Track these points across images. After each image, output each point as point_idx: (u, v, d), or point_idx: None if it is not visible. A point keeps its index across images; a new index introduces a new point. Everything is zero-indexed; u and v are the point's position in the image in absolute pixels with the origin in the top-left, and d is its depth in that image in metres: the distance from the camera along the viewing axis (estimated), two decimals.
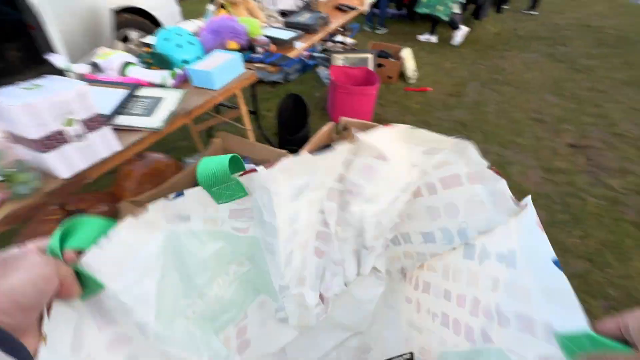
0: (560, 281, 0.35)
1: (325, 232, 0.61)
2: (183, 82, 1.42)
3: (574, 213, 1.96)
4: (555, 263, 0.36)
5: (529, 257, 0.38)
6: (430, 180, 0.54)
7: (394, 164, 0.54)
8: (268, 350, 0.65)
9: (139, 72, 1.32)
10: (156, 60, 1.39)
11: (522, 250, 0.39)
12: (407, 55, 3.35)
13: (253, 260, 0.57)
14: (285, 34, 1.78)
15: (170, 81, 1.33)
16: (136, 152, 1.10)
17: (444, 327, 0.52)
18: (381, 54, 3.51)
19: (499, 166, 2.31)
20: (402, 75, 3.46)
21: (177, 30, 1.48)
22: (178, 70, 1.38)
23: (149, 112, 1.17)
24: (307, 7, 2.33)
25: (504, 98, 3.20)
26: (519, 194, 0.38)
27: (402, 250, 0.63)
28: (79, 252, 0.33)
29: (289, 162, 0.48)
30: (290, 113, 1.97)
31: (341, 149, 0.53)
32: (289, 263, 0.56)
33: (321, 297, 0.65)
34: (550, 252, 0.37)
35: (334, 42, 3.79)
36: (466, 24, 5.11)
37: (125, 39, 2.60)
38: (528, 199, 0.41)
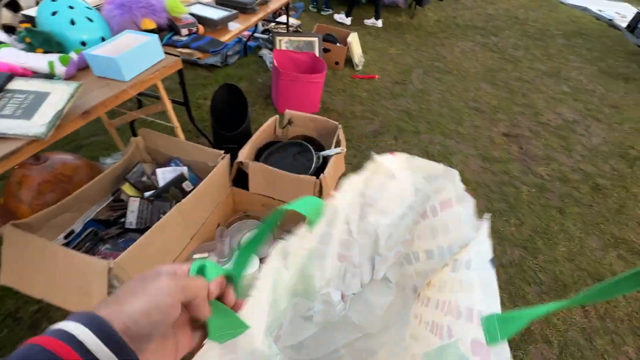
0: (490, 276, 0.43)
1: (348, 239, 0.72)
2: (80, 70, 1.12)
3: (510, 201, 2.07)
4: (491, 261, 0.44)
5: (477, 260, 0.46)
6: (432, 203, 0.63)
7: (402, 184, 0.66)
8: (290, 342, 0.75)
9: (12, 56, 1.00)
10: (39, 40, 1.07)
11: (475, 255, 0.47)
12: (354, 40, 3.22)
13: (297, 266, 0.63)
14: (217, 13, 1.52)
15: (60, 69, 1.03)
16: (6, 168, 0.82)
17: (431, 332, 0.57)
18: (327, 38, 3.34)
19: (444, 157, 2.35)
20: (349, 61, 3.34)
21: (69, 0, 1.15)
22: (72, 55, 1.08)
23: (26, 113, 0.88)
24: None
25: (446, 87, 3.27)
26: (462, 182, 0.46)
27: (413, 269, 0.72)
28: (228, 277, 0.34)
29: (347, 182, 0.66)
30: (226, 106, 1.73)
31: (365, 169, 0.68)
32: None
33: (342, 295, 0.78)
34: (489, 254, 0.45)
35: (277, 23, 3.51)
36: (410, 10, 5.15)
37: (14, 5, 2.06)
38: (487, 216, 0.51)
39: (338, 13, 4.59)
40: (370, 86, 3.10)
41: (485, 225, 0.49)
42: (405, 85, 3.20)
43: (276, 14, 4.03)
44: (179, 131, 1.52)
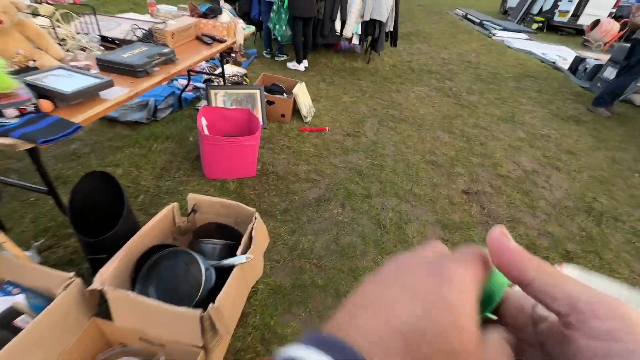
0: None
1: None
2: None
3: None
4: None
5: None
6: None
7: None
8: None
9: None
10: None
11: None
12: (300, 91, 2.96)
13: None
14: (76, 83, 1.14)
15: None
16: None
17: None
18: (273, 89, 3.07)
19: (398, 227, 2.02)
20: (298, 112, 3.07)
21: None
22: None
23: None
24: (148, 37, 1.73)
25: (401, 137, 3.04)
26: None
27: None
28: None
29: None
30: (96, 201, 1.30)
31: None
32: None
33: None
34: None
35: (214, 76, 3.21)
36: (365, 56, 5.11)
37: None
38: None
39: (291, 60, 4.42)
40: (320, 140, 2.81)
41: None
42: (357, 137, 2.94)
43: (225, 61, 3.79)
44: (10, 245, 1.06)
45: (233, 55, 3.97)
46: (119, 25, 1.84)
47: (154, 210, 1.84)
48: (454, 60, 5.71)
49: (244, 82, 3.26)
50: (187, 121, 2.74)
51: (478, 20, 9.30)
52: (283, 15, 3.93)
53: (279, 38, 4.12)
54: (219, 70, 3.31)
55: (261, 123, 2.75)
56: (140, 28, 1.71)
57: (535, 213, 2.30)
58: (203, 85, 3.17)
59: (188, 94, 3.01)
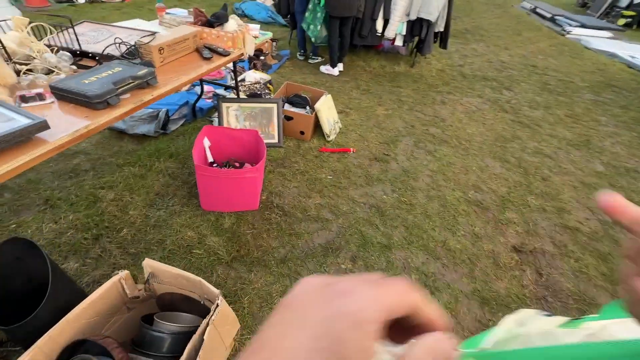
0: None
1: None
2: None
3: None
4: None
5: None
6: None
7: None
8: None
9: None
10: None
11: None
12: (324, 105, 2.58)
13: None
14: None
15: None
16: None
17: None
18: (295, 100, 2.72)
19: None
20: (320, 128, 2.69)
21: None
22: None
23: None
24: (132, 54, 1.46)
25: (439, 165, 2.53)
26: None
27: None
28: None
29: None
30: (15, 275, 1.04)
31: None
32: None
33: None
34: None
35: (229, 87, 2.93)
36: (410, 59, 4.54)
37: None
38: None
39: (325, 63, 4.03)
40: (341, 164, 2.41)
41: None
42: (386, 162, 2.49)
43: (254, 64, 3.52)
44: None
45: (262, 58, 3.69)
46: (111, 36, 1.60)
47: (133, 250, 1.61)
48: (516, 64, 4.89)
49: (266, 91, 2.95)
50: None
51: (549, 15, 8.06)
52: (319, 14, 3.54)
53: (312, 39, 3.73)
54: (243, 76, 3.04)
55: (276, 141, 2.43)
56: (124, 43, 1.45)
57: (617, 290, 1.71)
58: (225, 93, 2.92)
59: (206, 103, 2.78)
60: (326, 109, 2.59)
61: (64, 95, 1.12)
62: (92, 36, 1.61)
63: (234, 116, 2.37)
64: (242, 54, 1.83)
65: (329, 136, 2.61)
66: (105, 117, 1.12)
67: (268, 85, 3.11)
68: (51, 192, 1.86)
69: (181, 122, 2.58)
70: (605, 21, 8.22)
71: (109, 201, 1.84)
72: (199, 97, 2.59)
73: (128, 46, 1.44)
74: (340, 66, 3.96)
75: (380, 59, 4.50)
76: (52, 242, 1.59)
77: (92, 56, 1.44)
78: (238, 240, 1.73)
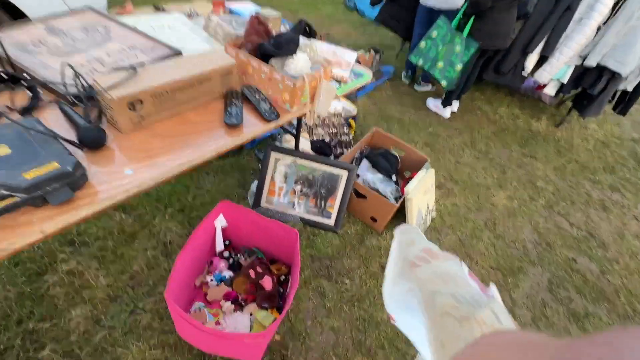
0: None
1: None
2: None
3: None
4: None
5: None
6: None
7: None
8: None
9: None
10: None
11: None
12: (419, 189, 1.62)
13: None
14: None
15: None
16: None
17: None
18: (380, 162, 1.81)
19: None
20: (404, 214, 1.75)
21: None
22: None
23: None
24: (91, 97, 0.73)
25: None
26: None
27: None
28: None
29: None
30: None
31: None
32: None
33: None
34: None
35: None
36: (556, 111, 3.18)
37: None
38: None
39: (435, 95, 2.97)
40: None
41: None
42: None
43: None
44: None
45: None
46: (107, 43, 0.91)
47: None
48: None
49: (345, 130, 2.09)
50: (232, 179, 1.78)
51: None
52: (457, 48, 2.27)
53: (443, 83, 2.44)
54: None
55: (332, 223, 1.59)
56: (77, 75, 0.72)
57: None
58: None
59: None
60: (421, 194, 1.63)
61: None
62: (71, 42, 0.94)
63: (282, 173, 1.58)
64: (305, 114, 0.99)
65: None
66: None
67: (350, 121, 2.23)
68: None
69: None
70: None
71: (63, 274, 1.24)
72: None
73: (82, 85, 0.71)
74: (455, 105, 2.87)
75: (512, 104, 3.24)
76: None
77: (28, 86, 0.76)
78: None
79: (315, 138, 1.96)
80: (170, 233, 1.46)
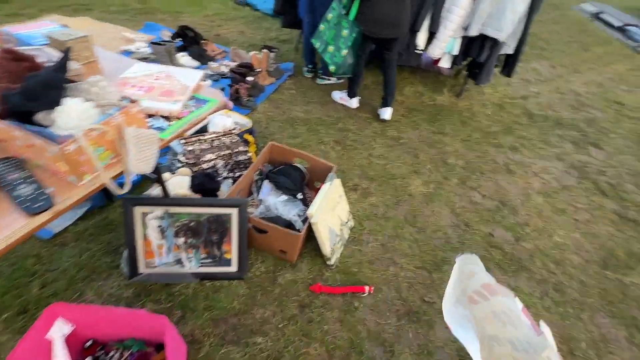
0: None
1: None
2: None
3: None
4: None
5: None
6: None
7: None
8: None
9: None
10: None
11: None
12: (322, 211, 1.42)
13: None
14: None
15: None
16: None
17: None
18: (279, 180, 1.58)
19: None
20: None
21: None
22: None
23: None
24: None
25: None
26: None
27: None
28: None
29: None
30: None
31: None
32: None
33: None
34: None
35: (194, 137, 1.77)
36: (455, 82, 3.27)
37: None
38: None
39: (341, 88, 2.82)
40: (346, 328, 1.29)
41: None
42: (429, 326, 1.36)
43: (244, 74, 2.32)
44: None
45: (250, 79, 2.51)
46: None
47: None
48: (595, 98, 3.56)
49: (241, 148, 1.80)
50: (99, 245, 1.39)
51: (618, 24, 6.50)
52: (344, 32, 2.14)
53: (331, 67, 2.31)
54: (205, 122, 1.89)
55: (234, 269, 1.32)
56: None
57: None
58: (181, 150, 1.75)
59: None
60: (328, 212, 1.44)
61: None
62: None
63: (155, 229, 1.25)
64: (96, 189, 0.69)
65: (329, 258, 1.48)
66: None
67: (246, 137, 1.94)
68: None
69: (83, 209, 1.48)
70: None
71: None
72: None
73: None
74: (354, 99, 2.73)
75: (415, 83, 3.25)
76: None
77: None
78: None
79: (199, 169, 1.64)
80: (4, 352, 1.05)
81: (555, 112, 3.17)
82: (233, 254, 1.34)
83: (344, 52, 2.18)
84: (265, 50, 2.72)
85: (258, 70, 2.64)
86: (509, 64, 2.94)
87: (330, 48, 2.24)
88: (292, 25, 3.05)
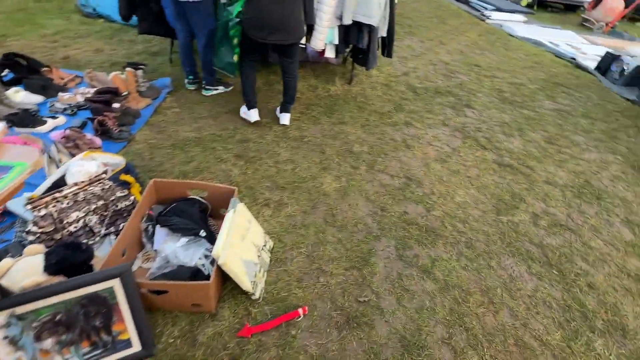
0: None
1: None
2: None
3: None
4: None
5: None
6: None
7: None
8: None
9: None
10: None
11: None
12: (231, 250, 1.25)
13: None
14: None
15: None
16: None
17: None
18: (173, 221, 1.34)
19: None
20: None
21: None
22: None
23: None
24: None
25: (450, 301, 1.47)
26: None
27: None
28: None
29: None
30: None
31: None
32: None
33: None
34: None
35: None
36: (344, 69, 3.35)
37: None
38: None
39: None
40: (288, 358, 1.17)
41: None
42: (370, 327, 1.33)
43: (108, 103, 1.88)
44: None
45: (117, 105, 2.11)
46: None
47: None
48: (459, 65, 4.10)
49: (120, 194, 1.47)
50: None
51: None
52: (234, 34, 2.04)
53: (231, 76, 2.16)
54: (62, 171, 1.50)
55: (137, 349, 1.06)
56: None
57: None
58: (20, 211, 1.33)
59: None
60: (237, 244, 1.28)
61: None
62: None
63: (2, 343, 0.91)
64: None
65: (254, 294, 1.32)
66: None
67: (123, 177, 1.60)
68: None
69: None
70: (509, 1, 8.14)
71: None
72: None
73: None
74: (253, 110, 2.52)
75: (307, 76, 3.23)
76: None
77: None
78: None
79: (63, 237, 1.29)
80: None
81: (432, 82, 3.52)
82: (130, 332, 1.07)
83: (235, 57, 2.06)
84: (129, 69, 2.32)
85: (125, 93, 2.24)
86: (386, 45, 3.12)
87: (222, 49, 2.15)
88: (153, 32, 2.69)
